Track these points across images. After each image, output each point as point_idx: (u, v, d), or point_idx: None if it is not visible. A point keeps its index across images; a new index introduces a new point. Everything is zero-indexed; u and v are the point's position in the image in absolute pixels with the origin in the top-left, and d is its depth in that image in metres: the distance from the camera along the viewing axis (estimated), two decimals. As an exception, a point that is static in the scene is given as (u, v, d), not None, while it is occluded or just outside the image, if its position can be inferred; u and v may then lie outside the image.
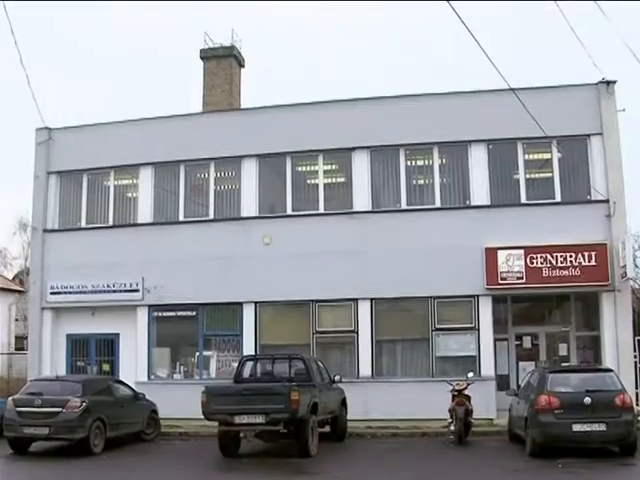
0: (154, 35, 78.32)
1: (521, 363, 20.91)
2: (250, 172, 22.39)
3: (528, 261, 20.07)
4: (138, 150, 22.96)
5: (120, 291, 22.52)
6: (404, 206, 21.33)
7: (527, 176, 20.96)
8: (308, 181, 22.55)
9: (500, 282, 20.15)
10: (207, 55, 25.28)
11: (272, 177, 22.59)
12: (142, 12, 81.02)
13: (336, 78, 67.58)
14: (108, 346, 22.98)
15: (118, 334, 22.82)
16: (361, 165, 21.72)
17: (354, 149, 21.72)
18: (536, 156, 21.26)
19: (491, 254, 20.24)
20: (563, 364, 19.50)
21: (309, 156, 22.26)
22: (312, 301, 21.29)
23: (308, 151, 22.09)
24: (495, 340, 20.55)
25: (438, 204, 21.16)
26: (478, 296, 20.41)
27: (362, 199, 21.56)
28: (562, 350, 20.98)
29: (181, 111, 23.60)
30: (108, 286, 22.62)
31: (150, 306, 22.43)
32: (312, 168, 22.45)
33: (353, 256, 21.08)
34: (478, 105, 20.99)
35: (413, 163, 21.87)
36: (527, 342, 21.33)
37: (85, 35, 78.13)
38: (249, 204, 22.23)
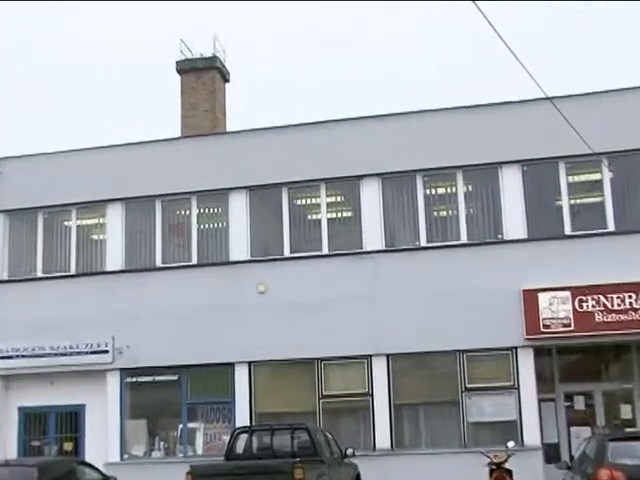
0: (121, 45, 77.08)
1: (573, 429, 20.47)
2: (239, 207, 22.28)
3: (576, 304, 19.78)
4: (105, 183, 22.80)
5: (85, 353, 22.19)
6: (424, 243, 21.16)
7: (572, 202, 20.73)
8: (308, 216, 22.47)
9: (543, 331, 19.86)
10: (184, 67, 25.21)
11: (266, 213, 22.55)
12: (104, 17, 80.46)
13: (339, 93, 67.14)
14: (71, 420, 22.62)
15: (83, 405, 22.42)
16: (371, 196, 21.59)
17: (362, 177, 21.60)
18: (582, 177, 21.11)
19: (530, 297, 19.97)
20: (627, 430, 19.04)
21: (309, 187, 22.19)
22: (317, 359, 21.10)
23: (308, 181, 22.01)
24: (540, 401, 20.16)
25: (464, 239, 20.98)
26: (516, 348, 20.11)
27: (373, 236, 21.42)
28: (625, 412, 20.53)
29: (156, 135, 24.03)
30: (71, 347, 22.24)
31: (122, 370, 22.10)
32: (313, 201, 22.40)
33: (364, 304, 20.89)
34: (509, 119, 20.82)
35: (433, 192, 21.71)
36: (579, 403, 20.85)
37: (39, 47, 77.67)
38: (239, 245, 22.08)
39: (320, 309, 20.97)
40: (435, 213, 21.58)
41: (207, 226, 22.92)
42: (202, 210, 22.85)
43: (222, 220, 22.63)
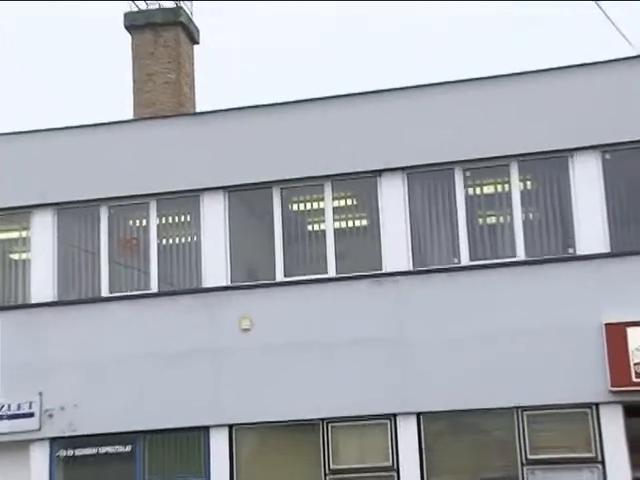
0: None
1: (689, 522, 18.49)
2: (215, 215, 20.57)
3: (684, 343, 18.25)
4: (29, 182, 21.01)
5: (1, 417, 20.38)
6: (465, 262, 19.34)
7: (673, 202, 19.40)
8: (309, 227, 20.85)
9: (635, 381, 17.87)
10: (137, 22, 24.01)
11: (251, 222, 21.48)
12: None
13: (348, 58, 66.26)
14: (-24, 514, 20.73)
15: (-4, 491, 20.56)
16: (394, 197, 19.82)
17: (381, 172, 19.78)
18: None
19: (616, 334, 18.03)
20: None
21: (310, 186, 20.45)
22: (322, 421, 19.36)
23: (308, 178, 20.24)
24: (635, 480, 18.44)
25: (522, 256, 19.03)
26: (598, 405, 18.10)
27: (397, 253, 19.66)
28: None
29: (99, 117, 22.26)
30: (-20, 410, 20.68)
31: (53, 440, 20.14)
32: (315, 205, 20.78)
33: (386, 345, 19.31)
34: (582, 89, 19.08)
35: (477, 191, 19.93)
36: (697, 484, 18.85)
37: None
38: (215, 267, 20.43)
39: (326, 352, 19.49)
40: (481, 220, 19.89)
41: (171, 241, 21.19)
42: (164, 219, 21.15)
43: (192, 232, 21.02)
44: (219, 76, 51.09)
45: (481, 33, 62.95)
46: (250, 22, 67.45)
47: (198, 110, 24.59)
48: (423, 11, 68.16)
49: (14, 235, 21.76)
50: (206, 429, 19.76)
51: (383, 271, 19.64)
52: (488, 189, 20.08)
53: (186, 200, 20.83)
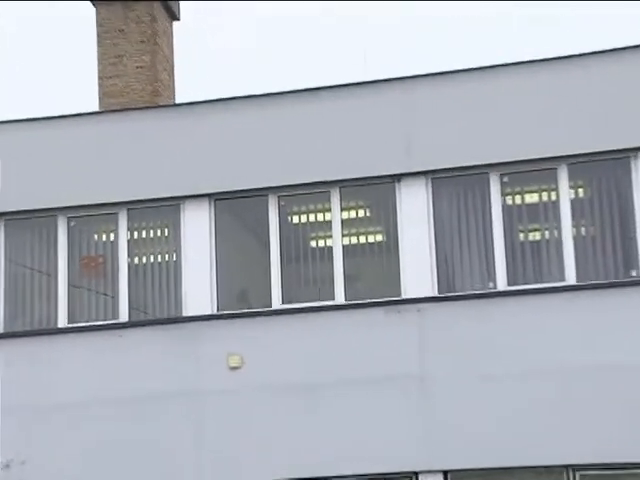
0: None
1: None
2: (198, 228, 19.58)
3: None
4: None
5: None
6: (502, 287, 18.23)
7: None
8: (312, 243, 19.87)
9: None
10: None
11: (242, 237, 20.88)
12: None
13: (348, 59, 67.24)
14: None
15: None
16: (415, 208, 18.72)
17: (400, 177, 18.60)
18: None
19: None
20: None
21: (313, 194, 19.45)
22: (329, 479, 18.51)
23: (311, 184, 19.14)
24: None
25: (572, 280, 17.82)
26: None
27: (419, 275, 18.63)
28: None
29: (57, 109, 20.92)
30: None
31: None
32: (320, 217, 19.93)
33: (405, 388, 18.25)
34: None
35: (517, 200, 18.86)
36: None
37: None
38: (198, 292, 19.42)
39: (332, 396, 18.31)
40: (522, 236, 18.85)
41: (145, 259, 20.19)
42: (136, 233, 20.07)
43: (170, 249, 20.14)
44: (219, 76, 51.75)
45: (481, 33, 64.94)
46: (250, 22, 69.46)
47: (178, 101, 23.57)
48: (423, 10, 69.90)
49: (-48, 253, 20.88)
50: (189, 488, 18.64)
51: (402, 297, 18.51)
52: (531, 198, 19.12)
53: (163, 210, 19.85)
